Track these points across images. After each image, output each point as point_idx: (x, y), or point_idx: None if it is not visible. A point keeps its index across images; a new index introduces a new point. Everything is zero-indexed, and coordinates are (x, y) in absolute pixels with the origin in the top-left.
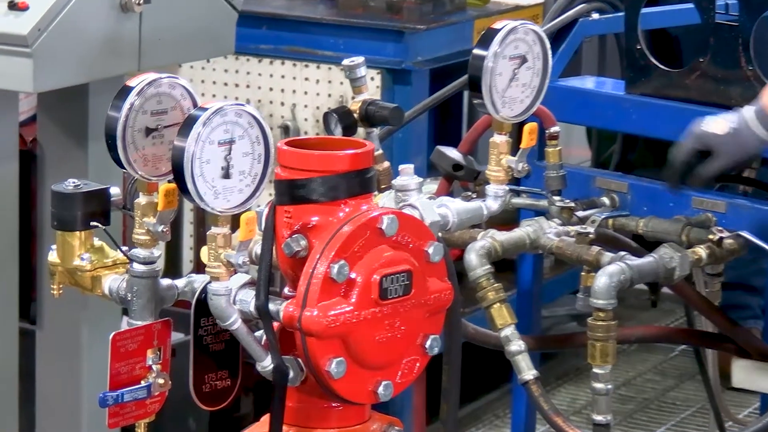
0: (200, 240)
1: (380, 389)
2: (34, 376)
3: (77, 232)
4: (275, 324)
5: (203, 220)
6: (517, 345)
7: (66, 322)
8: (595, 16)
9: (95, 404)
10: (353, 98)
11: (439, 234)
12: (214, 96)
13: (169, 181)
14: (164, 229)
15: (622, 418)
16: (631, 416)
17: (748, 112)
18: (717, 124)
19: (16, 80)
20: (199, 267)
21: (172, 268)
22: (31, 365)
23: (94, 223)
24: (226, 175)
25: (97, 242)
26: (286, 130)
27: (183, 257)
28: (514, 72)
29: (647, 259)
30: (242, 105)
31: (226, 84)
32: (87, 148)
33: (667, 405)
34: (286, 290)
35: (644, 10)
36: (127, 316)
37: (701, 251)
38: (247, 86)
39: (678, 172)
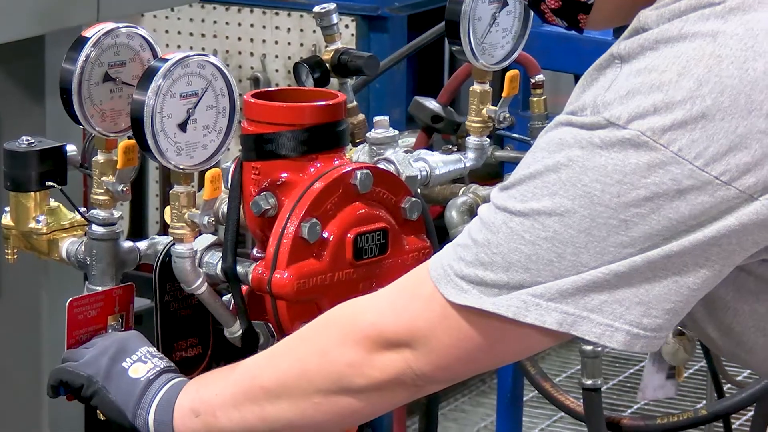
0: (166, 200)
1: None
2: None
3: (32, 193)
4: (244, 287)
5: (169, 178)
6: None
7: (25, 288)
8: None
9: None
10: (326, 47)
11: (418, 189)
12: (179, 47)
13: (128, 137)
14: (124, 188)
15: (614, 383)
16: (625, 380)
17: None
18: None
19: None
20: (166, 228)
21: (137, 230)
22: None
23: (50, 183)
24: (183, 128)
25: (53, 203)
26: (256, 81)
27: (148, 218)
28: (494, 16)
29: None
30: (205, 55)
31: (191, 34)
32: (44, 104)
33: None
34: (254, 251)
35: None
36: (87, 282)
37: None
38: (214, 36)
39: None
